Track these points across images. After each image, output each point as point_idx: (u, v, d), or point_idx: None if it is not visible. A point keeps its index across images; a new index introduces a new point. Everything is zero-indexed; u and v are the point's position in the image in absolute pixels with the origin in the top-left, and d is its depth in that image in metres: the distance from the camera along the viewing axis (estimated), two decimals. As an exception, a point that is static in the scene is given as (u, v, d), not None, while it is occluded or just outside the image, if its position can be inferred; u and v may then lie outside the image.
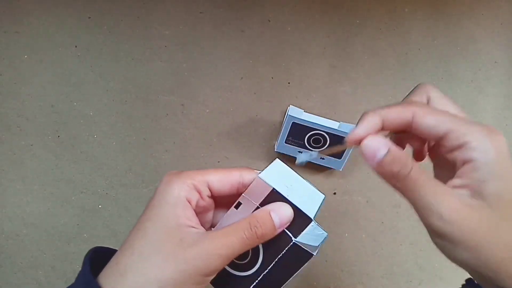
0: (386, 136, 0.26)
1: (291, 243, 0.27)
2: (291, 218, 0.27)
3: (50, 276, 0.53)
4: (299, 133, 0.51)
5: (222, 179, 0.28)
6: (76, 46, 0.53)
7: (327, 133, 0.50)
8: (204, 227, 0.28)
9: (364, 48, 0.56)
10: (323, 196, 0.29)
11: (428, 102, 0.27)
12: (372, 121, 0.26)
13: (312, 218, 0.27)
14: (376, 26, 0.56)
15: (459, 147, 0.23)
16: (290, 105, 0.54)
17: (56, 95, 0.53)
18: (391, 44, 0.57)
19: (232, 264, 0.29)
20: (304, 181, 0.29)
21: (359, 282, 0.56)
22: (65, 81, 0.53)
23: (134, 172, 0.54)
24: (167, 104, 0.54)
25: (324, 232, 0.27)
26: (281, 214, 0.27)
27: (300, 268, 0.28)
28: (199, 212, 0.29)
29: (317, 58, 0.56)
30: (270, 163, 0.29)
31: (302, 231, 0.27)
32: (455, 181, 0.24)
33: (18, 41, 0.52)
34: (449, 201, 0.23)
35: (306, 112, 0.53)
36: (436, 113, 0.25)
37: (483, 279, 0.24)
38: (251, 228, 0.26)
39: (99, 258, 0.26)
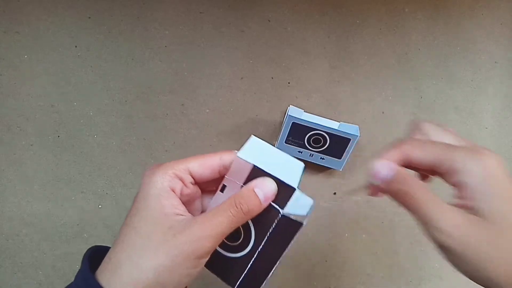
0: None
1: (280, 216, 0.28)
2: (275, 191, 0.28)
3: (50, 276, 0.53)
4: (299, 133, 0.51)
5: (202, 164, 0.29)
6: (76, 46, 0.53)
7: (327, 133, 0.50)
8: (194, 215, 0.28)
9: (364, 48, 0.56)
10: (303, 164, 0.29)
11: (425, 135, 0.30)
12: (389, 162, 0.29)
13: (296, 187, 0.27)
14: (376, 26, 0.56)
15: (449, 173, 0.26)
16: (290, 105, 0.54)
17: (56, 95, 0.53)
18: (391, 44, 0.57)
19: (226, 247, 0.30)
20: (283, 153, 0.29)
21: (359, 282, 0.56)
22: (65, 81, 0.53)
23: (134, 172, 0.54)
24: (167, 104, 0.54)
25: (310, 199, 0.28)
26: (264, 188, 0.27)
27: (292, 239, 0.28)
28: (186, 200, 0.29)
29: (317, 58, 0.56)
30: (246, 140, 0.30)
31: (288, 201, 0.27)
32: (452, 202, 0.26)
33: (18, 41, 0.52)
34: (449, 217, 0.24)
35: (306, 112, 0.53)
36: (423, 145, 0.27)
37: None
38: (236, 206, 0.27)
39: (98, 256, 0.27)
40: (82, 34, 0.53)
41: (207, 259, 0.27)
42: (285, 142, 0.52)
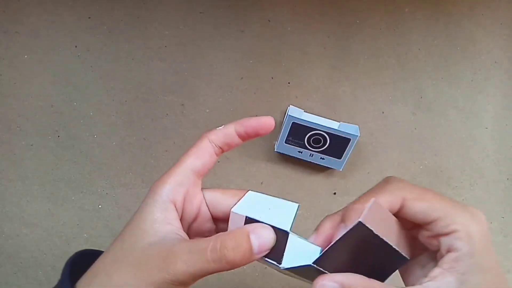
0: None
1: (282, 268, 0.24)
2: (273, 244, 0.23)
3: (50, 276, 0.53)
4: (299, 133, 0.51)
5: (217, 196, 0.28)
6: (76, 46, 0.53)
7: (327, 133, 0.50)
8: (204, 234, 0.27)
9: (364, 48, 0.56)
10: (297, 204, 0.27)
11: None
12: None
13: (288, 230, 0.24)
14: (376, 26, 0.56)
15: (447, 234, 0.23)
16: (290, 105, 0.54)
17: (56, 95, 0.53)
18: (391, 44, 0.57)
19: None
20: (277, 199, 0.28)
21: (359, 282, 0.56)
22: (65, 81, 0.53)
23: (134, 172, 0.54)
24: (167, 104, 0.54)
25: (309, 244, 0.25)
26: (261, 236, 0.23)
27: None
28: (193, 218, 0.28)
29: (317, 58, 0.56)
30: (244, 196, 0.28)
31: (284, 252, 0.24)
32: (436, 271, 0.23)
33: (18, 41, 0.52)
34: None
35: (306, 112, 0.53)
36: (427, 197, 0.24)
37: None
38: (218, 251, 0.22)
39: (86, 260, 0.26)
40: (82, 34, 0.53)
41: None
42: (285, 142, 0.52)
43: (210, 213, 0.29)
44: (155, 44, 0.54)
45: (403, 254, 0.24)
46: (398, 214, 0.25)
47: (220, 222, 0.30)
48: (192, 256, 0.22)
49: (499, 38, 0.58)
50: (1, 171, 0.52)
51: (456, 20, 0.58)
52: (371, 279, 0.22)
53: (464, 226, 0.23)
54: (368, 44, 0.56)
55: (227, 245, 0.22)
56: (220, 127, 0.28)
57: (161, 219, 0.25)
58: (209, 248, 0.22)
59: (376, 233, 0.22)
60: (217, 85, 0.55)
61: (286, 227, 0.24)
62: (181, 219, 0.27)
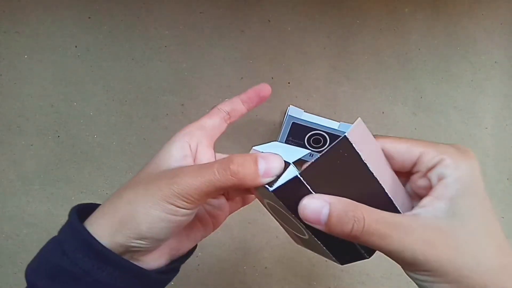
0: None
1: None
2: (279, 172, 0.23)
3: (50, 276, 0.53)
4: (299, 133, 0.51)
5: None
6: (76, 46, 0.53)
7: (327, 133, 0.50)
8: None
9: (364, 48, 0.56)
10: (308, 151, 0.27)
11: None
12: None
13: (291, 162, 0.24)
14: (376, 26, 0.56)
15: (434, 166, 0.23)
16: (290, 105, 0.54)
17: (56, 95, 0.53)
18: (391, 44, 0.57)
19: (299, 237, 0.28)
20: (295, 147, 0.28)
21: (359, 282, 0.56)
22: (65, 81, 0.53)
23: (134, 172, 0.54)
24: (167, 104, 0.54)
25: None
26: (269, 162, 0.23)
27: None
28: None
29: (317, 58, 0.56)
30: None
31: (278, 178, 0.24)
32: (426, 199, 0.23)
33: (18, 41, 0.52)
34: (418, 239, 0.21)
35: (306, 112, 0.53)
36: (404, 139, 0.24)
37: None
38: (225, 163, 0.23)
39: (85, 212, 0.26)
40: (82, 34, 0.53)
41: (188, 216, 0.24)
42: (285, 142, 0.52)
43: None
44: (155, 44, 0.54)
45: (388, 194, 0.23)
46: None
47: None
48: (200, 170, 0.23)
49: (499, 38, 0.58)
50: (1, 171, 0.52)
51: (456, 20, 0.58)
52: (362, 205, 0.22)
53: (449, 154, 0.23)
54: (368, 44, 0.56)
55: (234, 160, 0.23)
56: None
57: (177, 156, 0.27)
58: (217, 162, 0.23)
59: (365, 162, 0.22)
60: (217, 85, 0.55)
61: (290, 160, 0.24)
62: None
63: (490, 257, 0.21)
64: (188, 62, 0.54)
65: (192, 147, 0.28)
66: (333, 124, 0.51)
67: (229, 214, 0.32)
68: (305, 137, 0.51)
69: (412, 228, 0.22)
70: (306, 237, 0.26)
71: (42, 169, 0.53)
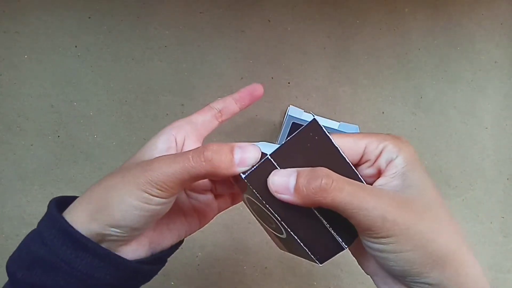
0: None
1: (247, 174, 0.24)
2: (254, 162, 0.23)
3: (50, 276, 0.53)
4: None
5: None
6: (76, 46, 0.53)
7: (327, 133, 0.50)
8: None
9: (364, 48, 0.56)
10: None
11: None
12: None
13: (268, 154, 0.23)
14: (376, 26, 0.56)
15: (380, 153, 0.24)
16: (290, 105, 0.54)
17: (56, 95, 0.53)
18: (391, 44, 0.57)
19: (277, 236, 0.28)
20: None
21: (359, 282, 0.56)
22: (65, 81, 0.53)
23: (134, 172, 0.54)
24: (167, 104, 0.54)
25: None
26: (245, 152, 0.23)
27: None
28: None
29: (317, 58, 0.56)
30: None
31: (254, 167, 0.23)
32: (380, 180, 0.24)
33: (18, 41, 0.52)
34: (387, 201, 0.22)
35: (306, 112, 0.53)
36: (347, 134, 0.25)
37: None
38: (199, 150, 0.23)
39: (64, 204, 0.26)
40: (82, 34, 0.53)
41: (163, 205, 0.24)
42: (285, 142, 0.52)
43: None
44: (155, 44, 0.54)
45: (357, 173, 0.24)
46: None
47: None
48: (175, 158, 0.23)
49: (499, 38, 0.58)
50: (1, 171, 0.52)
51: (456, 20, 0.58)
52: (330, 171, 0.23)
53: (390, 141, 0.24)
54: (368, 44, 0.56)
55: (209, 147, 0.23)
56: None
57: (161, 147, 0.27)
58: (192, 150, 0.23)
59: (334, 144, 0.24)
60: (217, 85, 0.55)
61: (268, 152, 0.24)
62: None
63: (448, 223, 0.23)
64: (188, 62, 0.54)
65: (178, 140, 0.29)
66: (333, 124, 0.51)
67: (218, 213, 0.32)
68: (305, 137, 0.51)
69: (380, 192, 0.22)
70: (284, 235, 0.26)
71: (42, 169, 0.53)
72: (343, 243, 0.25)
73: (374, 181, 0.25)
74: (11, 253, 0.26)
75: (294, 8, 0.55)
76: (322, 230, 0.24)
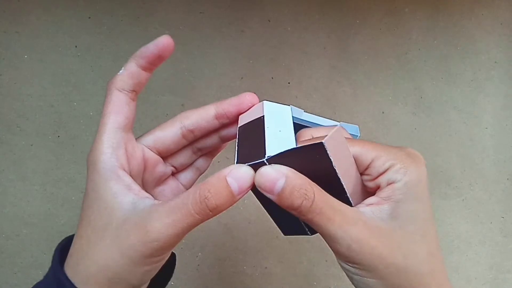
0: None
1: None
2: (251, 182, 0.22)
3: (50, 276, 0.53)
4: (299, 133, 0.51)
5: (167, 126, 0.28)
6: (76, 46, 0.53)
7: (327, 133, 0.50)
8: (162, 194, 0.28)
9: (364, 48, 0.56)
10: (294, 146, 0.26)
11: None
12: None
13: (265, 157, 0.23)
14: (376, 26, 0.56)
15: (385, 171, 0.23)
16: (290, 105, 0.54)
17: (56, 95, 0.53)
18: (391, 44, 0.57)
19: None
20: (293, 131, 0.27)
21: (359, 282, 0.56)
22: (65, 81, 0.53)
23: (134, 172, 0.54)
24: (167, 104, 0.54)
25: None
26: (240, 178, 0.22)
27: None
28: (143, 170, 0.28)
29: (317, 58, 0.56)
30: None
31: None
32: (372, 198, 0.24)
33: (18, 41, 0.52)
34: (357, 231, 0.22)
35: (306, 112, 0.53)
36: (359, 142, 0.25)
37: None
38: (200, 202, 0.22)
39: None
40: (82, 34, 0.53)
41: (169, 253, 0.24)
42: (285, 142, 0.52)
43: (159, 155, 0.29)
44: (155, 44, 0.54)
45: (348, 196, 0.24)
46: None
47: (171, 157, 0.29)
48: (175, 215, 0.22)
49: (499, 38, 0.58)
50: (1, 171, 0.52)
51: (456, 20, 0.58)
52: (316, 185, 0.22)
53: (400, 160, 0.23)
54: (368, 44, 0.56)
55: (207, 194, 0.22)
56: (120, 71, 0.26)
57: (120, 190, 0.24)
58: (190, 203, 0.22)
59: (334, 168, 0.22)
60: (217, 85, 0.55)
61: (269, 152, 0.23)
62: (132, 177, 0.26)
63: (420, 261, 0.22)
64: (188, 62, 0.54)
65: (125, 166, 0.26)
66: (333, 124, 0.51)
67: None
68: (305, 137, 0.51)
69: (354, 220, 0.22)
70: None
71: (42, 169, 0.53)
72: (308, 231, 0.27)
73: (368, 194, 0.24)
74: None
75: (294, 8, 0.55)
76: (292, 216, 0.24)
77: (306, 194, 0.21)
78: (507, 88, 0.58)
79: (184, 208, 0.22)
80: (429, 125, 0.57)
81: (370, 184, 0.25)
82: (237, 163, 0.24)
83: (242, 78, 0.55)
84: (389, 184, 0.23)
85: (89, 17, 0.53)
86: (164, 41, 0.28)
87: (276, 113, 0.26)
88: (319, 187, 0.22)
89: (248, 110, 0.27)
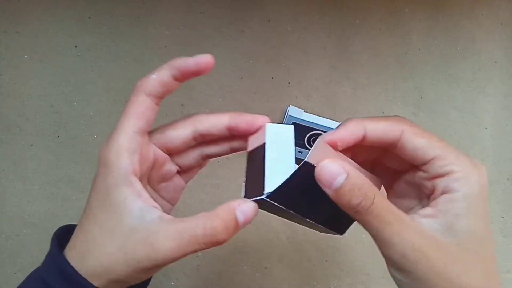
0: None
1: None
2: (255, 216, 0.24)
3: (50, 276, 0.53)
4: (299, 133, 0.51)
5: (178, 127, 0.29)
6: (76, 46, 0.53)
7: (327, 133, 0.50)
8: (169, 196, 0.29)
9: (364, 48, 0.56)
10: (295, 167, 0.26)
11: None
12: (354, 129, 0.24)
13: (265, 193, 0.24)
14: (376, 26, 0.56)
15: (444, 175, 0.22)
16: (290, 105, 0.54)
17: (56, 95, 0.53)
18: (391, 44, 0.57)
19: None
20: (293, 153, 0.27)
21: (359, 282, 0.56)
22: (65, 81, 0.53)
23: (134, 172, 0.54)
24: (167, 104, 0.54)
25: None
26: (246, 213, 0.23)
27: None
28: (151, 168, 0.28)
29: (317, 58, 0.56)
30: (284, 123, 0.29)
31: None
32: (428, 210, 0.23)
33: (18, 41, 0.52)
34: (414, 240, 0.21)
35: (306, 112, 0.53)
36: (426, 135, 0.23)
37: None
38: (210, 235, 0.23)
39: (68, 236, 0.26)
40: (82, 34, 0.53)
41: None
42: (285, 142, 0.52)
43: (167, 152, 0.29)
44: (155, 44, 0.54)
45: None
46: (395, 150, 0.24)
47: (178, 156, 0.30)
48: (181, 241, 0.22)
49: (499, 38, 0.58)
50: (1, 171, 0.52)
51: (456, 20, 0.58)
52: (376, 187, 0.23)
53: (462, 168, 0.22)
54: (368, 44, 0.56)
55: (217, 228, 0.23)
56: (154, 76, 0.27)
57: (130, 196, 0.24)
58: (199, 234, 0.22)
59: None
60: (217, 85, 0.55)
61: (268, 187, 0.24)
62: (140, 178, 0.26)
63: (475, 281, 0.21)
64: (188, 62, 0.54)
65: (137, 172, 0.26)
66: (333, 124, 0.51)
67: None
68: (305, 137, 0.51)
69: (413, 227, 0.22)
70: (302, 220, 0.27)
71: (42, 169, 0.53)
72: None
73: (425, 192, 0.24)
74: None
75: (294, 8, 0.55)
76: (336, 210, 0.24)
77: (366, 194, 0.21)
78: (507, 88, 0.58)
79: (193, 237, 0.22)
80: (429, 125, 0.57)
81: (425, 183, 0.24)
82: (244, 197, 0.26)
83: (242, 78, 0.55)
84: (446, 192, 0.22)
85: (89, 17, 0.53)
86: (205, 60, 0.28)
87: (278, 136, 0.27)
88: (379, 191, 0.22)
89: (257, 131, 0.28)
